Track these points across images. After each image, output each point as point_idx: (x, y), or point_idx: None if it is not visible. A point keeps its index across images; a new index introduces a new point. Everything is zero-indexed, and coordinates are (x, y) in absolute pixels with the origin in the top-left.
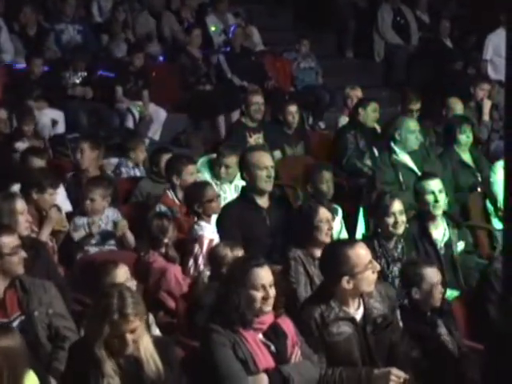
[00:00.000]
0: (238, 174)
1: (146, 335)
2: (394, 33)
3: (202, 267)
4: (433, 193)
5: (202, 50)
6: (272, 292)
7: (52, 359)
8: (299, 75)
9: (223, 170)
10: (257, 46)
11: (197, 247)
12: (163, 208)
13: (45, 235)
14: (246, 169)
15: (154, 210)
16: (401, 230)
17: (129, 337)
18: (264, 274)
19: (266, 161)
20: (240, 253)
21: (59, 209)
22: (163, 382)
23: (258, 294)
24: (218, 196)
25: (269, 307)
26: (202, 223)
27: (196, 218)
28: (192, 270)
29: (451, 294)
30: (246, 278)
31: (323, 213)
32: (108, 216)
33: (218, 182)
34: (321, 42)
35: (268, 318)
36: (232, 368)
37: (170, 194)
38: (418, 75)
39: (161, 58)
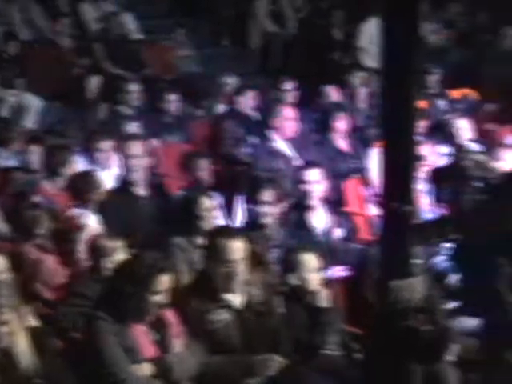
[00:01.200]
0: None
1: (22, 328)
2: (270, 21)
3: (81, 252)
4: (307, 183)
5: (77, 38)
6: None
7: None
8: (177, 63)
9: (98, 154)
10: (133, 34)
11: (77, 234)
12: (39, 198)
13: None
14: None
15: (28, 201)
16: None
17: (1, 329)
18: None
19: (126, 150)
20: (119, 244)
21: None
22: (40, 374)
23: (159, 298)
24: (102, 186)
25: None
26: (84, 211)
27: (78, 207)
28: (73, 257)
29: None
30: (151, 284)
31: (205, 202)
32: None
33: (98, 169)
34: (197, 30)
35: None
36: (116, 356)
37: (47, 183)
38: (295, 63)
39: (36, 46)
